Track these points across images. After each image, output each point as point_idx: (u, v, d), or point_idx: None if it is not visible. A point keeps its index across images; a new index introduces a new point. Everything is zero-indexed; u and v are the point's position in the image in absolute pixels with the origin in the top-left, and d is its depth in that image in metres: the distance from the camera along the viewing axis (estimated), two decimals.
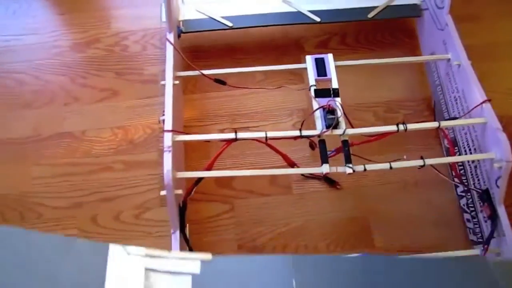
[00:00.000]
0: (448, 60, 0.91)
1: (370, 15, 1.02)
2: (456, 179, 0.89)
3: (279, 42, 1.08)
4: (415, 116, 1.00)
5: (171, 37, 0.90)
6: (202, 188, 0.92)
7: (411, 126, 0.79)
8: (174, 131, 0.78)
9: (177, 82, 0.86)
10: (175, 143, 0.77)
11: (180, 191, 0.74)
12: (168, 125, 0.78)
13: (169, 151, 0.75)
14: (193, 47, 1.06)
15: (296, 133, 0.79)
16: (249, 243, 0.88)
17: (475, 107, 0.81)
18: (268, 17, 1.02)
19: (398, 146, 0.97)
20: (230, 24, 1.00)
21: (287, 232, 0.89)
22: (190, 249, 0.75)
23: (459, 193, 0.90)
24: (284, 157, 0.90)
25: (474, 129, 0.84)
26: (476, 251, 0.77)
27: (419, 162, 0.78)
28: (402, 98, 1.02)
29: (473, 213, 0.86)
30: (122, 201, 0.91)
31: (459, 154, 0.89)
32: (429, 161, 0.77)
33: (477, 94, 0.82)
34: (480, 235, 0.84)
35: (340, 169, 0.76)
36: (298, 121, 1.00)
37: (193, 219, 0.89)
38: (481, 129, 0.81)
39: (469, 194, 0.87)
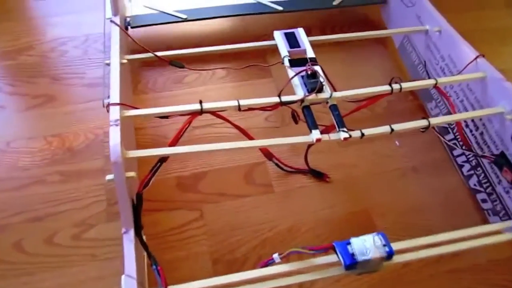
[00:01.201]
0: (426, 32, 0.84)
1: (335, 3, 0.96)
2: (463, 148, 0.76)
3: (240, 39, 0.97)
4: (399, 101, 0.90)
5: (116, 19, 0.77)
6: (160, 195, 0.74)
7: (406, 85, 0.68)
8: (123, 104, 0.62)
9: (125, 61, 0.72)
10: (124, 120, 0.61)
11: (132, 174, 0.56)
12: (115, 98, 0.62)
13: (117, 124, 0.58)
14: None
15: (275, 99, 0.65)
16: (226, 255, 0.69)
17: (470, 63, 0.72)
18: (226, 8, 0.93)
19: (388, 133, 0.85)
20: (184, 17, 0.89)
21: (273, 237, 0.71)
22: (149, 256, 0.56)
23: (466, 174, 0.78)
24: (261, 148, 0.76)
25: (472, 91, 0.74)
26: (509, 222, 0.62)
27: (423, 123, 0.65)
28: (383, 84, 0.92)
29: (489, 190, 0.73)
30: (57, 219, 0.70)
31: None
32: (434, 121, 0.65)
33: (468, 51, 0.74)
34: (503, 212, 0.70)
35: (333, 136, 0.62)
36: (271, 114, 0.87)
37: (152, 233, 0.70)
38: (480, 88, 0.71)
39: (479, 169, 0.74)
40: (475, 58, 0.72)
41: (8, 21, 0.97)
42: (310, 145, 0.76)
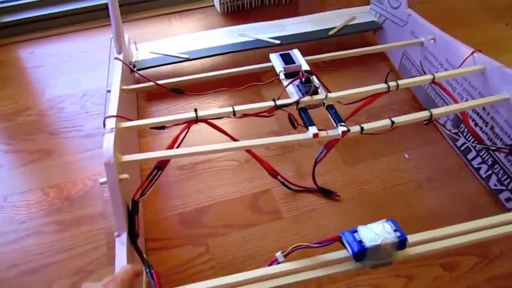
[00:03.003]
0: (422, 44, 0.84)
1: (331, 32, 0.97)
2: (475, 142, 0.72)
3: (235, 77, 0.98)
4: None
5: (120, 56, 0.79)
6: (164, 233, 0.70)
7: (403, 82, 0.66)
8: (119, 116, 0.61)
9: (125, 87, 0.73)
10: (121, 132, 0.59)
11: (126, 176, 0.54)
12: (112, 111, 0.62)
13: (112, 131, 0.57)
14: (146, 92, 0.95)
15: (270, 103, 0.63)
16: None
17: (467, 58, 0.71)
18: (226, 47, 0.95)
19: (396, 147, 0.82)
20: (186, 57, 0.91)
21: None
22: (143, 260, 0.51)
23: (484, 176, 0.73)
24: (264, 163, 0.72)
25: (474, 88, 0.71)
26: None
27: (425, 114, 0.62)
28: (383, 104, 0.89)
29: (511, 186, 0.67)
30: (54, 269, 0.66)
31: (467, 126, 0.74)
32: (436, 111, 0.62)
33: (464, 49, 0.73)
34: None
35: (332, 132, 0.60)
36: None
37: (159, 272, 0.64)
38: (482, 81, 0.69)
39: (496, 167, 0.69)
40: (472, 53, 0.70)
41: (8, 87, 0.99)
42: (316, 162, 0.73)
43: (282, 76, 0.70)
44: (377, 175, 0.77)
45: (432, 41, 0.80)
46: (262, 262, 0.65)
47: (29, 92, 0.98)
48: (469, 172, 0.76)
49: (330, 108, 0.62)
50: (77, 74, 1.01)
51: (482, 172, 0.73)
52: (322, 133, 0.58)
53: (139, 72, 0.84)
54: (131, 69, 0.84)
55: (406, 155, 0.80)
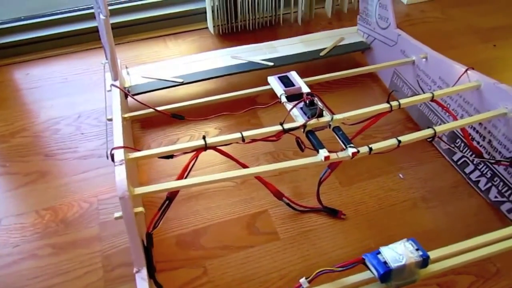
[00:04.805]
0: (413, 62, 0.85)
1: (322, 53, 0.99)
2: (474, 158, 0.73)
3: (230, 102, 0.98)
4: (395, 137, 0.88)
5: (117, 83, 0.79)
6: (160, 255, 0.69)
7: (404, 101, 0.67)
8: (126, 147, 0.61)
9: (126, 115, 0.74)
10: (129, 163, 0.59)
11: (141, 209, 0.53)
12: (118, 142, 0.62)
13: (122, 164, 0.57)
14: (139, 120, 0.94)
15: (278, 128, 0.64)
16: None
17: (462, 75, 0.72)
18: (220, 70, 0.95)
19: (390, 166, 0.82)
20: (180, 81, 0.92)
21: (285, 286, 0.65)
22: None
23: (483, 189, 0.73)
24: (269, 185, 0.72)
25: (469, 104, 0.72)
26: None
27: (429, 132, 0.63)
28: (377, 124, 0.90)
29: None
30: None
31: (464, 143, 0.74)
32: (439, 128, 0.63)
33: (457, 67, 0.74)
34: None
35: (342, 154, 0.61)
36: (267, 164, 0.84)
37: None
38: (477, 97, 0.70)
39: (496, 179, 0.70)
40: (465, 71, 0.72)
41: (2, 109, 0.99)
42: (321, 182, 0.72)
43: (284, 99, 0.71)
44: (372, 195, 0.77)
45: (424, 59, 0.81)
46: (259, 284, 0.65)
47: (24, 113, 0.97)
48: (466, 188, 0.76)
49: (336, 129, 0.63)
50: (72, 96, 1.01)
51: (481, 185, 0.73)
52: (333, 155, 0.59)
53: (136, 98, 0.83)
54: (126, 94, 0.84)
55: (400, 175, 0.80)
